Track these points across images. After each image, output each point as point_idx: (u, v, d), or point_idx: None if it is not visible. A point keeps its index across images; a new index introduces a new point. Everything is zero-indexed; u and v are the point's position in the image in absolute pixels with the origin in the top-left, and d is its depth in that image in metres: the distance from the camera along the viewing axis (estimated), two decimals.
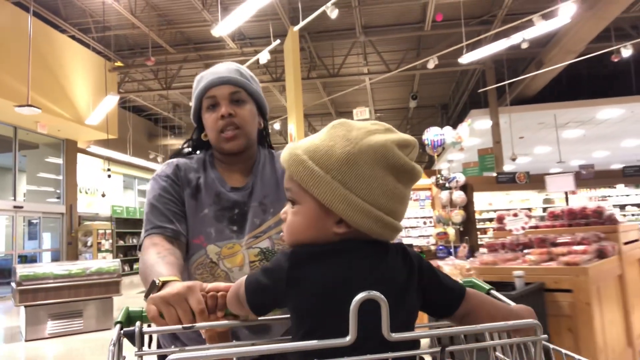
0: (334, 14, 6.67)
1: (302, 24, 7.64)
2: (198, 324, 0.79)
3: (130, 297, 8.85)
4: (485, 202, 11.19)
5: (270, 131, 1.47)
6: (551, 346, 0.71)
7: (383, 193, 0.70)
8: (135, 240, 15.08)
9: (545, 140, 15.55)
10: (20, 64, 8.61)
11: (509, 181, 9.65)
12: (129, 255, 14.65)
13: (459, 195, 6.88)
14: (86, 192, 14.06)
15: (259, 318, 0.82)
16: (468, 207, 7.09)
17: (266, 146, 1.44)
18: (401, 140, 0.72)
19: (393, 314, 0.59)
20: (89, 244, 11.99)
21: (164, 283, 0.89)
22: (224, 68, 1.32)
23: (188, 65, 12.51)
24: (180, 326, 0.79)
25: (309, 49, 11.90)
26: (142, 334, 0.75)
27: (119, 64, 12.03)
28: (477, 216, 9.51)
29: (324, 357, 0.61)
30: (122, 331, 0.75)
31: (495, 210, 10.40)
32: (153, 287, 0.88)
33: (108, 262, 6.21)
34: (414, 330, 0.71)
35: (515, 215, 3.13)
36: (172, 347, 1.19)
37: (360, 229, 0.69)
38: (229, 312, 0.83)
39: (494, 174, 10.36)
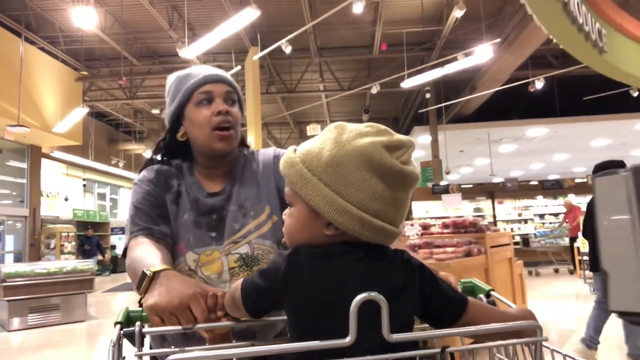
0: (288, 49, 7.65)
1: (260, 54, 8.57)
2: (198, 325, 0.81)
3: (100, 295, 9.50)
4: (423, 210, 12.43)
5: None
6: (551, 347, 0.71)
7: (371, 196, 0.69)
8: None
9: (483, 153, 17.10)
10: None
11: (442, 192, 10.89)
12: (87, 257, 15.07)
13: None
14: (47, 196, 14.39)
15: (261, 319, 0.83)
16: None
17: (245, 148, 1.40)
18: (392, 142, 0.70)
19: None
20: (51, 246, 12.40)
21: (155, 273, 0.90)
22: (214, 68, 1.30)
23: (152, 76, 13.16)
24: (180, 327, 0.80)
25: (268, 66, 12.80)
26: (142, 334, 0.75)
27: (84, 73, 12.54)
28: None
29: (322, 357, 0.61)
30: (122, 331, 0.75)
31: (431, 218, 11.65)
32: (144, 278, 0.89)
33: (82, 262, 6.91)
34: (411, 330, 0.72)
35: (412, 224, 4.17)
36: (162, 347, 1.18)
37: (347, 231, 0.69)
38: (228, 312, 0.84)
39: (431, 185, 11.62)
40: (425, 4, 9.91)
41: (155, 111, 14.25)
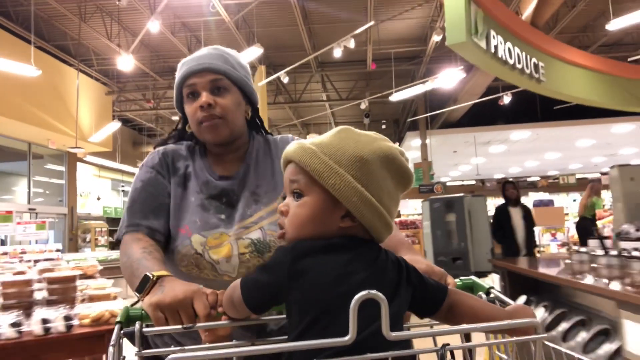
0: (286, 79, 9.18)
1: (264, 81, 10.12)
2: (198, 324, 0.82)
3: None
4: (412, 207, 13.83)
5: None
6: (551, 345, 0.73)
7: (386, 193, 0.75)
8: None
9: (476, 153, 18.45)
10: (38, 97, 10.83)
11: (428, 191, 12.34)
12: (116, 249, 16.85)
13: None
14: (80, 195, 16.19)
15: (260, 318, 0.85)
16: None
17: (262, 133, 1.38)
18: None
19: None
20: (87, 240, 14.18)
21: (158, 278, 0.91)
22: (205, 52, 1.25)
23: (172, 90, 14.81)
24: (180, 326, 0.81)
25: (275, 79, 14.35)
26: (142, 334, 0.76)
27: (114, 89, 14.25)
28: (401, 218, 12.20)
29: (323, 352, 0.62)
30: (121, 331, 0.75)
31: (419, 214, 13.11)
32: (147, 282, 0.90)
33: None
34: (402, 327, 0.73)
35: None
36: (160, 346, 1.16)
37: (365, 223, 0.74)
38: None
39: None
40: (411, 27, 11.35)
41: (175, 117, 15.97)
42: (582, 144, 17.05)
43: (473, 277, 0.95)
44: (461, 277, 0.98)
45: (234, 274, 1.15)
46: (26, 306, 2.18)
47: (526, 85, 7.42)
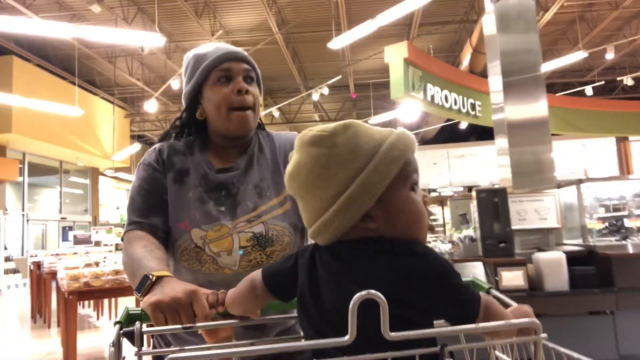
0: (276, 114, 11.11)
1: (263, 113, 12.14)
2: (198, 324, 0.81)
3: None
4: None
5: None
6: (550, 345, 0.71)
7: None
8: None
9: (454, 165, 20.43)
10: (70, 123, 12.93)
11: None
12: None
13: None
14: (100, 205, 18.26)
15: (260, 317, 0.86)
16: None
17: (262, 129, 1.37)
18: None
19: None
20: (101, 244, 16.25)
21: (158, 278, 0.91)
22: (230, 47, 1.26)
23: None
24: (180, 326, 0.81)
25: (270, 102, 16.41)
26: (142, 334, 0.75)
27: (130, 112, 16.35)
28: None
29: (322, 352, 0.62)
30: (121, 331, 0.75)
31: None
32: (145, 282, 0.90)
33: None
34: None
35: None
36: (158, 346, 1.18)
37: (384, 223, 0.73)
38: (227, 312, 0.85)
39: None
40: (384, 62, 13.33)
41: None
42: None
43: (473, 278, 0.92)
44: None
45: (235, 267, 1.15)
46: None
47: (465, 119, 9.44)
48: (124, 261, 1.11)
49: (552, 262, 3.30)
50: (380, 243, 0.69)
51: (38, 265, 6.65)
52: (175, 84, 10.90)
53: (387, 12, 7.53)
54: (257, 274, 0.84)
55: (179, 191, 1.21)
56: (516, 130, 4.60)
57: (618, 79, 13.65)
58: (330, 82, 11.15)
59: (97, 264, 4.26)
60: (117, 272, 3.74)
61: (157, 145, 1.28)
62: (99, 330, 6.28)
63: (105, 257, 5.03)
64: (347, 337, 0.57)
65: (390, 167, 0.69)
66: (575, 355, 0.67)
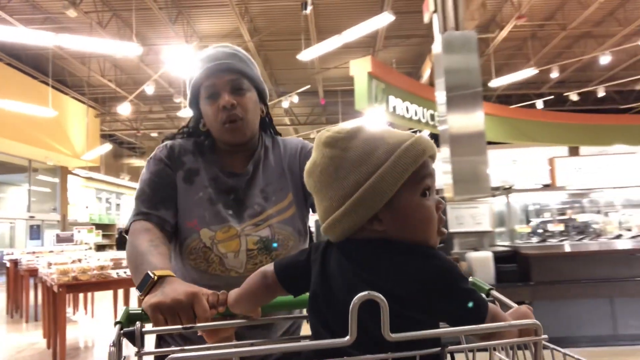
0: None
1: None
2: (198, 324, 0.82)
3: None
4: None
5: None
6: (551, 346, 0.71)
7: None
8: (107, 240, 19.39)
9: None
10: (40, 122, 13.01)
11: None
12: (101, 250, 18.95)
13: None
14: (69, 204, 18.22)
15: (261, 319, 0.86)
16: None
17: (270, 133, 1.38)
18: None
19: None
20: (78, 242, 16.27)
21: (160, 278, 0.91)
22: (221, 53, 1.25)
23: (152, 114, 17.13)
24: (180, 326, 0.82)
25: None
26: (142, 334, 0.75)
27: (101, 112, 16.45)
28: None
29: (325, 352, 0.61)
30: (122, 331, 0.75)
31: None
32: (147, 281, 0.91)
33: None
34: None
35: None
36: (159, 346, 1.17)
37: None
38: (228, 313, 0.85)
39: None
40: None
41: (154, 134, 18.25)
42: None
43: (474, 279, 0.91)
44: None
45: (242, 270, 1.16)
46: None
47: (425, 128, 10.10)
48: (128, 251, 1.11)
49: (482, 260, 3.90)
50: (389, 244, 0.70)
51: (15, 262, 6.89)
52: (149, 89, 11.18)
53: (353, 29, 8.11)
54: (268, 266, 0.85)
55: (189, 190, 1.23)
56: (457, 140, 5.00)
57: (564, 94, 14.67)
58: (299, 90, 11.64)
59: (80, 260, 4.64)
60: (102, 268, 4.15)
61: (167, 142, 1.32)
62: (76, 324, 6.59)
63: (86, 255, 5.40)
64: (347, 338, 0.57)
65: (400, 174, 0.69)
66: (576, 355, 0.67)
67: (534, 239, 4.38)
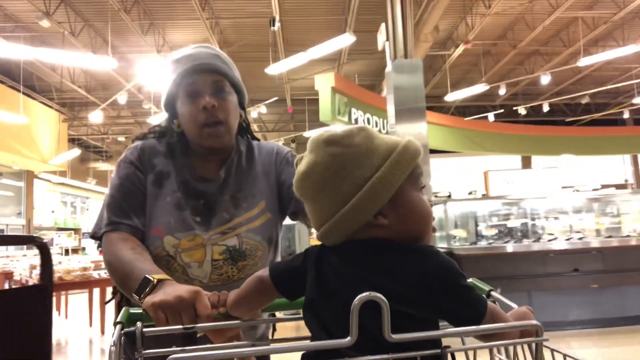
0: None
1: None
2: (199, 325, 0.83)
3: None
4: None
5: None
6: (551, 347, 0.71)
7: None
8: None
9: None
10: (8, 130, 13.07)
11: None
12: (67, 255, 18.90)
13: None
14: (34, 208, 18.12)
15: (262, 319, 0.88)
16: None
17: (246, 137, 1.34)
18: None
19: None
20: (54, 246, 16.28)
21: (159, 281, 0.91)
22: (202, 51, 1.21)
23: (120, 119, 17.32)
24: (181, 326, 0.82)
25: None
26: (142, 334, 0.75)
27: (69, 117, 16.52)
28: None
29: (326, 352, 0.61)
30: (122, 332, 0.75)
31: None
32: (147, 284, 0.91)
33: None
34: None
35: None
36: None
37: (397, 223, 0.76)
38: (228, 313, 0.86)
39: None
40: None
41: (121, 139, 18.43)
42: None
43: (474, 280, 0.90)
44: None
45: (206, 280, 1.14)
46: None
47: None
48: (109, 262, 1.08)
49: None
50: (387, 244, 0.71)
51: None
52: (121, 98, 11.48)
53: (317, 47, 8.72)
54: (264, 271, 0.85)
55: (157, 195, 1.19)
56: None
57: (514, 108, 15.72)
58: (267, 101, 12.17)
59: (60, 262, 5.03)
60: (85, 269, 4.57)
61: (138, 143, 1.26)
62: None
63: (69, 259, 5.76)
64: (348, 339, 0.57)
65: (404, 167, 0.71)
66: (577, 356, 0.68)
67: (467, 243, 5.05)
